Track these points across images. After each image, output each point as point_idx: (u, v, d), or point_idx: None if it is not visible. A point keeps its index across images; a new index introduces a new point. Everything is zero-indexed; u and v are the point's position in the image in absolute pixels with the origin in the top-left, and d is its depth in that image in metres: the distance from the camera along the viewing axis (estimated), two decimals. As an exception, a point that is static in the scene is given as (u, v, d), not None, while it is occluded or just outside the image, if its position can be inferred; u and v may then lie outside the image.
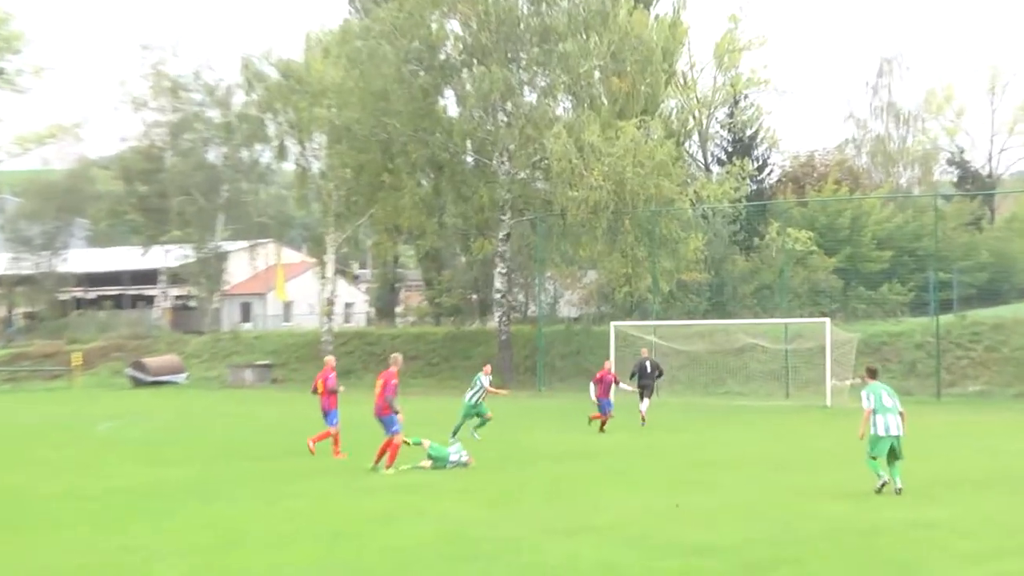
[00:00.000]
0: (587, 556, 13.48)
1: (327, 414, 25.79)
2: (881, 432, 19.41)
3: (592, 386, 32.82)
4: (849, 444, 28.32)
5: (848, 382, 46.58)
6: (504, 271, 59.36)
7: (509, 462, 23.27)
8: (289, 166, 71.78)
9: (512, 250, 61.45)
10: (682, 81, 79.43)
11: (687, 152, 78.76)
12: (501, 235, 58.81)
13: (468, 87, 57.22)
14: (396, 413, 22.28)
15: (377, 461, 22.52)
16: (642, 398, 35.38)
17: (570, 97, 59.74)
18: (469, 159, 61.04)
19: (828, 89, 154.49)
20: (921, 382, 48.62)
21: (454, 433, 28.37)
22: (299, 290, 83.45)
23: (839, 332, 48.57)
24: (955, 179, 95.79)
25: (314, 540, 14.58)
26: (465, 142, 59.47)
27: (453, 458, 22.86)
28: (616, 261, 56.55)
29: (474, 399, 28.80)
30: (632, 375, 36.22)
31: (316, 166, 65.85)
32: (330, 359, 27.06)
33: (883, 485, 19.16)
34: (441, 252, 73.19)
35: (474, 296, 74.54)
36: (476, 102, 56.57)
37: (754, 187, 78.76)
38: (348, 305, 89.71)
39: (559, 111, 60.38)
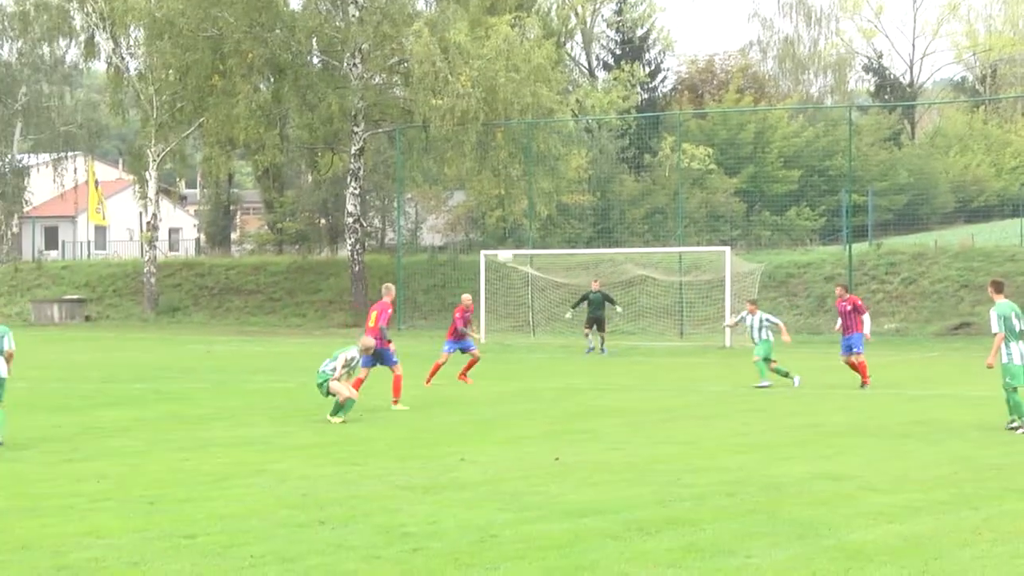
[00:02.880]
0: (453, 517, 13.52)
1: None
2: (1017, 360, 20.13)
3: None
4: (749, 388, 28.85)
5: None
6: (357, 192, 59.02)
7: (359, 413, 23.26)
8: (101, 66, 70.15)
9: (367, 168, 61.10)
10: (564, -29, 79.30)
11: (569, 55, 78.90)
12: (354, 150, 58.41)
13: (313, -25, 56.45)
14: (389, 343, 24.86)
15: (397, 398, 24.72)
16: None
17: (433, -12, 59.34)
18: (315, 61, 60.39)
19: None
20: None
21: (786, 373, 29.64)
22: (116, 213, 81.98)
23: (741, 263, 49.34)
24: (872, 88, 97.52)
25: (127, 506, 14.35)
26: (310, 41, 58.77)
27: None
28: (487, 181, 56.59)
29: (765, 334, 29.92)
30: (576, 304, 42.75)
31: (133, 66, 64.52)
32: (467, 297, 30.78)
33: (1017, 428, 20.24)
34: (283, 169, 72.47)
35: (323, 221, 74.08)
36: (323, -7, 55.88)
37: (645, 96, 79.36)
38: (174, 231, 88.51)
39: (420, 5, 60.08)
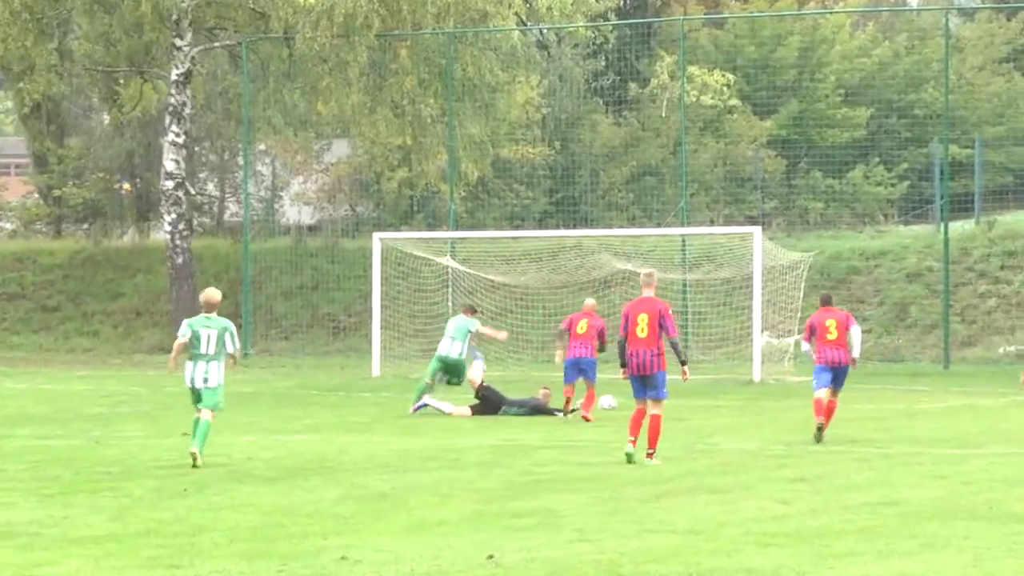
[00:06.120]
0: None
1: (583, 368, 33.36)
2: None
3: (808, 343, 31.63)
4: (801, 446, 28.97)
5: (792, 339, 47.59)
6: (181, 140, 58.85)
7: (189, 486, 23.20)
8: None
9: (196, 103, 60.94)
10: None
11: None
12: (175, 75, 58.22)
13: None
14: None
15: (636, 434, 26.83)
16: None
17: None
18: (116, -65, 60.21)
19: None
20: (917, 338, 49.94)
21: None
22: None
23: (778, 251, 49.54)
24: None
25: None
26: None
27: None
28: (384, 124, 56.57)
29: None
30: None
31: None
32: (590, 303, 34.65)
33: None
34: (64, 105, 72.17)
35: (126, 186, 73.78)
36: None
37: (631, -6, 79.59)
38: None
39: None
